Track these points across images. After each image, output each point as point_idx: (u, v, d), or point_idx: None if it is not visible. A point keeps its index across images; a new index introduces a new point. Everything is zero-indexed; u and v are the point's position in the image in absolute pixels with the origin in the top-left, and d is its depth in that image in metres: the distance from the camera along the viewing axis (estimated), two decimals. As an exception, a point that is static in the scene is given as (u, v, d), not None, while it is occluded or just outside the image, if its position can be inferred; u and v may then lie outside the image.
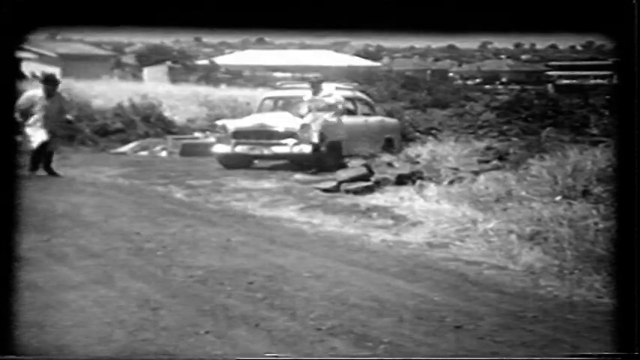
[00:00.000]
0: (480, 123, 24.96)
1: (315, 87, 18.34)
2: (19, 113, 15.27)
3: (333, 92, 18.58)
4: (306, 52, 45.01)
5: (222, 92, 32.10)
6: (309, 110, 17.80)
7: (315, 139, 17.15)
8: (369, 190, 14.45)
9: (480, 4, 7.57)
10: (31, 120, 15.93)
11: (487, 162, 16.40)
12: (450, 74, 50.17)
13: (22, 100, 15.69)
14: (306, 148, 17.00)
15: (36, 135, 15.94)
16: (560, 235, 10.08)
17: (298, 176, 15.93)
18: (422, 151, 17.70)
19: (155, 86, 31.55)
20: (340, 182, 14.78)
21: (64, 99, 17.02)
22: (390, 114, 23.84)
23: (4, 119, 7.19)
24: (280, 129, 17.52)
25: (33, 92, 16.16)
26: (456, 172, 15.12)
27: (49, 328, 6.80)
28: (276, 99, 19.44)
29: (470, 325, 7.18)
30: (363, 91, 21.51)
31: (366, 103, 20.45)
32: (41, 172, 15.84)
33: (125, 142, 23.40)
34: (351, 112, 19.32)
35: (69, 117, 17.09)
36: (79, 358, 6.31)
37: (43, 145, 16.00)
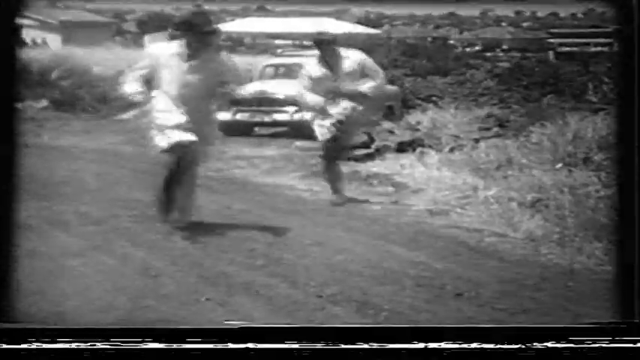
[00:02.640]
0: (480, 90, 24.89)
1: (327, 51, 11.39)
2: (139, 84, 9.08)
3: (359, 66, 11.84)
4: (306, 20, 44.89)
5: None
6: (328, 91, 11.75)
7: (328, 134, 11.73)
8: (369, 157, 14.43)
9: (481, -29, 7.53)
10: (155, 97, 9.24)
11: (488, 129, 16.39)
12: (451, 42, 50.02)
13: (145, 62, 9.27)
14: (307, 115, 16.93)
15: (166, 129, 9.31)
16: (561, 202, 10.07)
17: (299, 143, 15.88)
18: (422, 118, 17.68)
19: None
20: (341, 149, 14.75)
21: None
22: (390, 81, 23.78)
23: (4, 87, 7.16)
24: (281, 96, 17.46)
25: (163, 48, 9.39)
26: (457, 140, 15.11)
27: (49, 296, 6.81)
28: (277, 66, 19.40)
29: (470, 292, 7.19)
30: (363, 59, 21.42)
31: (367, 71, 20.38)
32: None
33: (126, 108, 23.32)
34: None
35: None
36: (79, 325, 6.32)
37: (181, 146, 9.13)
